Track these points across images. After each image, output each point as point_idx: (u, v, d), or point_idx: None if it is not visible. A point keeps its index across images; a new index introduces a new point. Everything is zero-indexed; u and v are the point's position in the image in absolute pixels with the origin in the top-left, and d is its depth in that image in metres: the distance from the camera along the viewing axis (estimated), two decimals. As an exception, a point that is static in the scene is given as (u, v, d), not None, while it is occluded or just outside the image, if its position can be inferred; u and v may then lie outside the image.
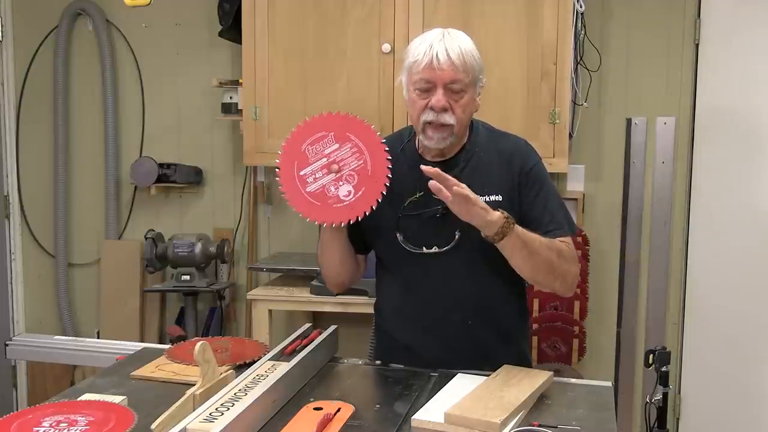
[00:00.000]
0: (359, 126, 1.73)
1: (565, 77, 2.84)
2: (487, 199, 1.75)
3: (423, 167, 1.61)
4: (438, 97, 1.67)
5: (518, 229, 1.65)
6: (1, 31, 3.62)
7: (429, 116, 1.69)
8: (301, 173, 1.72)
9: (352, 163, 1.71)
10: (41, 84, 3.66)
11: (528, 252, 1.68)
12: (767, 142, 3.08)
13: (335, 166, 1.71)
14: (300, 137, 1.74)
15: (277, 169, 1.74)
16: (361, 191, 1.71)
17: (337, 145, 1.72)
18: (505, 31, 2.85)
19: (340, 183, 1.71)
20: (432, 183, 1.59)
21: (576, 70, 3.08)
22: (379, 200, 1.71)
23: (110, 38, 3.57)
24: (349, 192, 1.71)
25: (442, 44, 1.67)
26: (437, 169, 1.59)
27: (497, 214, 1.62)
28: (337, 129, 1.72)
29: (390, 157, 1.72)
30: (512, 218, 1.65)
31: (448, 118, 1.69)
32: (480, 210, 1.60)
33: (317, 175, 1.72)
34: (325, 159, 1.72)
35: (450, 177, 1.59)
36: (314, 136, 1.73)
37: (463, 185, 1.60)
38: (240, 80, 3.15)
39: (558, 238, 1.75)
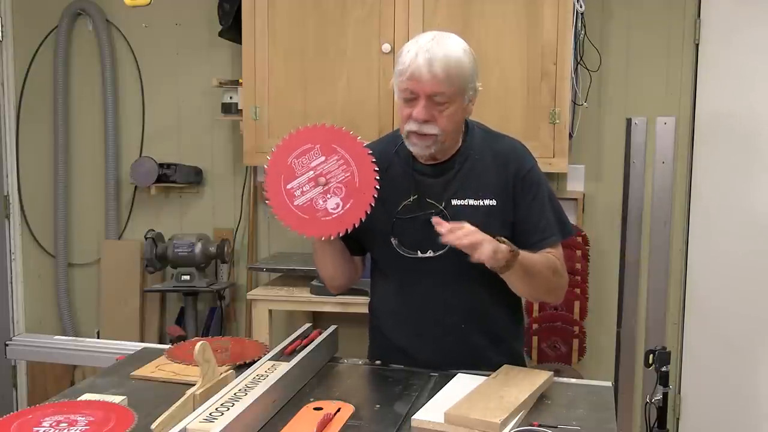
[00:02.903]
0: (345, 137, 1.71)
1: (565, 77, 2.84)
2: (482, 203, 1.75)
3: (433, 220, 1.59)
4: (418, 110, 1.65)
5: (521, 257, 1.63)
6: (1, 31, 3.62)
7: (412, 126, 1.68)
8: (288, 187, 1.71)
9: (339, 176, 1.70)
10: (41, 84, 3.66)
11: (529, 277, 1.68)
12: (767, 142, 3.08)
13: (322, 179, 1.70)
14: (286, 150, 1.72)
15: (263, 182, 1.72)
16: (350, 203, 1.70)
17: (323, 158, 1.71)
18: (505, 31, 2.85)
19: (328, 196, 1.70)
20: (435, 220, 1.59)
21: (576, 70, 3.08)
22: (368, 212, 1.70)
23: (110, 38, 3.57)
24: (338, 205, 1.70)
25: (427, 55, 1.62)
26: (439, 222, 1.59)
27: (503, 250, 1.59)
28: (323, 141, 1.71)
29: (377, 168, 1.71)
30: (516, 250, 1.62)
31: (431, 129, 1.67)
32: (487, 251, 1.57)
33: (304, 189, 1.71)
34: (311, 172, 1.70)
35: (458, 225, 1.58)
36: (300, 149, 1.71)
37: (469, 228, 1.58)
38: (240, 80, 3.15)
39: (550, 247, 1.76)
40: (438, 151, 1.73)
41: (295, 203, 1.71)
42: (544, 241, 1.76)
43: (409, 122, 1.68)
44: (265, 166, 1.72)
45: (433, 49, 1.63)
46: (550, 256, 1.75)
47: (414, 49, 1.65)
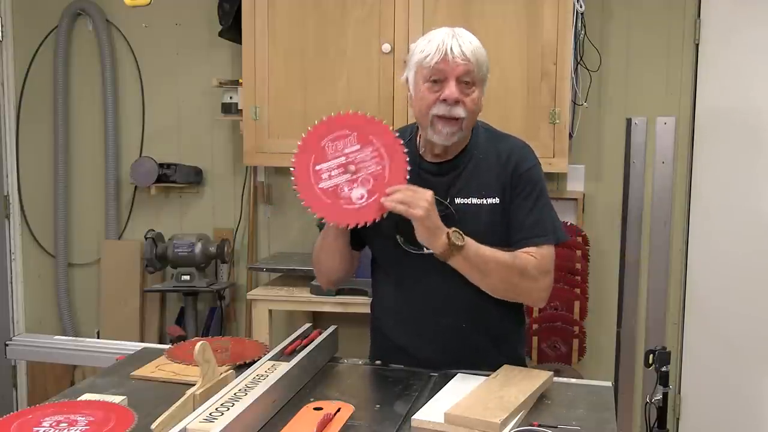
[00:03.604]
0: (384, 131, 1.69)
1: (565, 77, 2.84)
2: (485, 201, 1.75)
3: (382, 200, 1.65)
4: (451, 89, 1.67)
5: (470, 251, 1.66)
6: (1, 31, 3.62)
7: (440, 110, 1.68)
8: (317, 168, 1.69)
9: (371, 167, 1.68)
10: (41, 84, 3.66)
11: (480, 274, 1.70)
12: (767, 142, 3.08)
13: (352, 167, 1.68)
14: (322, 132, 1.70)
15: (292, 159, 1.70)
16: (374, 197, 1.68)
17: (358, 146, 1.68)
18: (505, 31, 2.85)
19: (355, 185, 1.68)
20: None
21: (576, 70, 3.08)
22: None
23: (110, 38, 3.57)
24: (362, 196, 1.68)
25: (456, 39, 1.68)
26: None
27: (441, 241, 1.64)
28: (361, 130, 1.69)
29: (409, 168, 1.69)
30: (460, 247, 1.65)
31: (460, 111, 1.68)
32: (425, 231, 1.64)
33: (332, 173, 1.68)
34: (343, 158, 1.68)
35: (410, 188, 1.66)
36: (336, 133, 1.69)
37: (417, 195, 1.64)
38: (240, 80, 3.15)
39: (534, 247, 1.74)
40: (452, 144, 1.74)
41: (320, 185, 1.68)
42: (528, 240, 1.75)
43: (436, 106, 1.69)
44: (298, 143, 1.70)
45: (459, 36, 1.69)
46: (525, 257, 1.73)
47: (439, 37, 1.69)
